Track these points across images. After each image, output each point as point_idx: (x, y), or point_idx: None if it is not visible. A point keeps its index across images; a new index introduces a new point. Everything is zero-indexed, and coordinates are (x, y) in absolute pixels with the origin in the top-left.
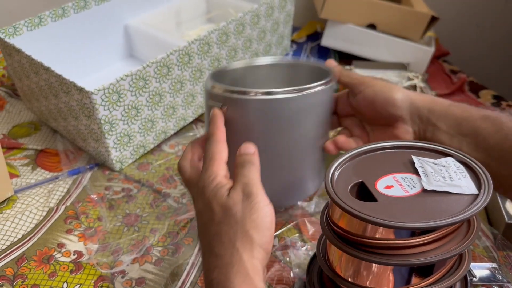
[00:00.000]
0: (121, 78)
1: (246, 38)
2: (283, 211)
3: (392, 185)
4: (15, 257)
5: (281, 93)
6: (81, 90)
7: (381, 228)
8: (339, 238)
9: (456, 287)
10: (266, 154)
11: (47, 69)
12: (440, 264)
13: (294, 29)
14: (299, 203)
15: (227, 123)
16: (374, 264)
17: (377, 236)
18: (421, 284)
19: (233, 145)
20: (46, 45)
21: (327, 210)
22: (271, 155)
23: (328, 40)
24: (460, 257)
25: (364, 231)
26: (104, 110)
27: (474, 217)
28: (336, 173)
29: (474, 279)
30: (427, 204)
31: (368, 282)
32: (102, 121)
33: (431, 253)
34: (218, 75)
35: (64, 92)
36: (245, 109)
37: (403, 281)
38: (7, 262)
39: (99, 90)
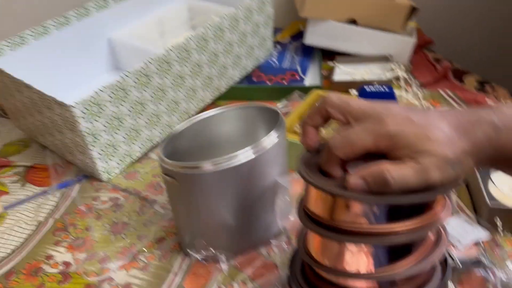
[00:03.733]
0: (100, 90)
1: (226, 42)
2: None
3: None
4: (5, 271)
5: (230, 159)
6: (61, 104)
7: (353, 208)
8: (313, 222)
9: (437, 272)
10: (228, 208)
11: (28, 87)
12: (418, 244)
13: (278, 30)
14: None
15: (183, 194)
16: (349, 246)
17: (348, 218)
18: (400, 265)
19: (192, 213)
20: (31, 64)
21: (302, 197)
22: (234, 207)
23: (311, 38)
24: (438, 238)
25: (332, 212)
26: (86, 122)
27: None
28: (309, 155)
29: (458, 266)
30: None
31: (346, 265)
32: (85, 133)
33: (408, 233)
34: (173, 140)
35: (46, 107)
36: (198, 181)
37: (381, 262)
38: None
39: (78, 103)
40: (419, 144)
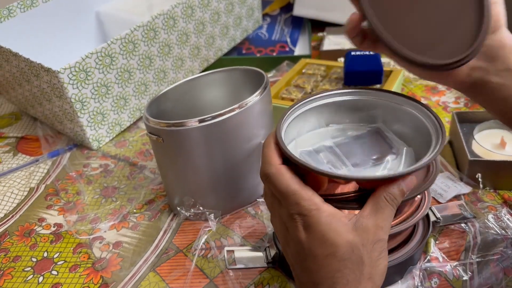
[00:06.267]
0: (87, 56)
1: (213, 11)
2: None
3: None
4: None
5: (216, 117)
6: (48, 70)
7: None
8: None
9: (419, 228)
10: (215, 166)
11: (16, 55)
12: (402, 206)
13: (268, 2)
14: None
15: (168, 152)
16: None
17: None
18: None
19: (179, 171)
20: (18, 35)
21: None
22: (220, 166)
23: (300, 10)
24: (420, 199)
25: (322, 185)
26: (73, 88)
27: (433, 161)
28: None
29: (439, 220)
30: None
31: None
32: (73, 100)
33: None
34: (157, 101)
35: (34, 75)
36: (182, 138)
37: None
38: None
39: (65, 68)
40: None
